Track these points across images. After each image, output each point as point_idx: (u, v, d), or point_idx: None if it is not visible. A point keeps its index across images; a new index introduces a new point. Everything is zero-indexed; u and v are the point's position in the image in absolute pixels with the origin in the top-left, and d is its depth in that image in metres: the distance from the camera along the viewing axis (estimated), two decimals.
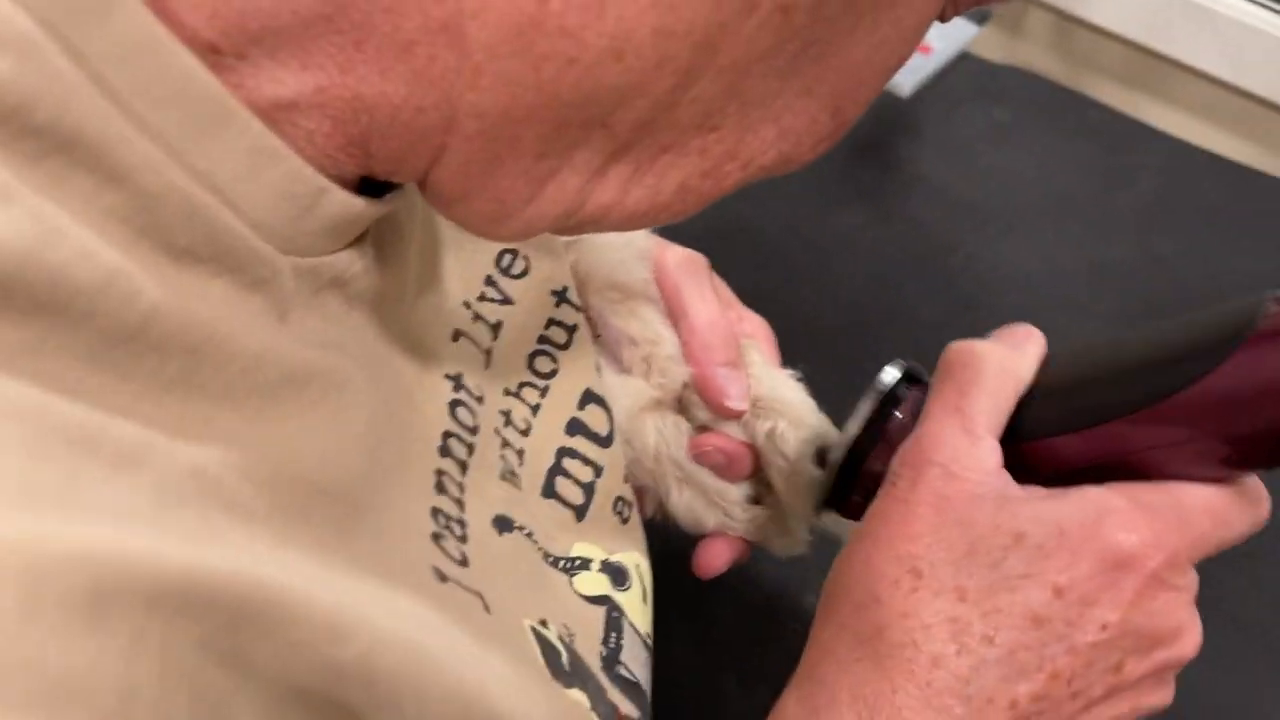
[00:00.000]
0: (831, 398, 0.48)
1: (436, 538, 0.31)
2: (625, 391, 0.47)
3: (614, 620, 0.41)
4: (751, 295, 0.53)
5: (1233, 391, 0.33)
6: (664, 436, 0.47)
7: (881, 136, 0.85)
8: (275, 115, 0.25)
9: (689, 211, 0.30)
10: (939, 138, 0.85)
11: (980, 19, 0.95)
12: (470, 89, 0.25)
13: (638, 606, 0.43)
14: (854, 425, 0.41)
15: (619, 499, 0.44)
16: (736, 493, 0.48)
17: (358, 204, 0.28)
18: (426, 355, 0.36)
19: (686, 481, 0.47)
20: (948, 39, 0.91)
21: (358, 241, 0.30)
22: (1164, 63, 1.02)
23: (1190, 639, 0.35)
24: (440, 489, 0.33)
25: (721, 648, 0.58)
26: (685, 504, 0.48)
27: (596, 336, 0.47)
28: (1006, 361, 0.37)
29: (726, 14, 0.25)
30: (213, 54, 0.24)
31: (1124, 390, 0.35)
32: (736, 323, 0.50)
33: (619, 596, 0.42)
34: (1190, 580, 0.35)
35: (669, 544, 0.50)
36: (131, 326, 0.22)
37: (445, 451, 0.35)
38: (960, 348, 0.38)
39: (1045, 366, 0.38)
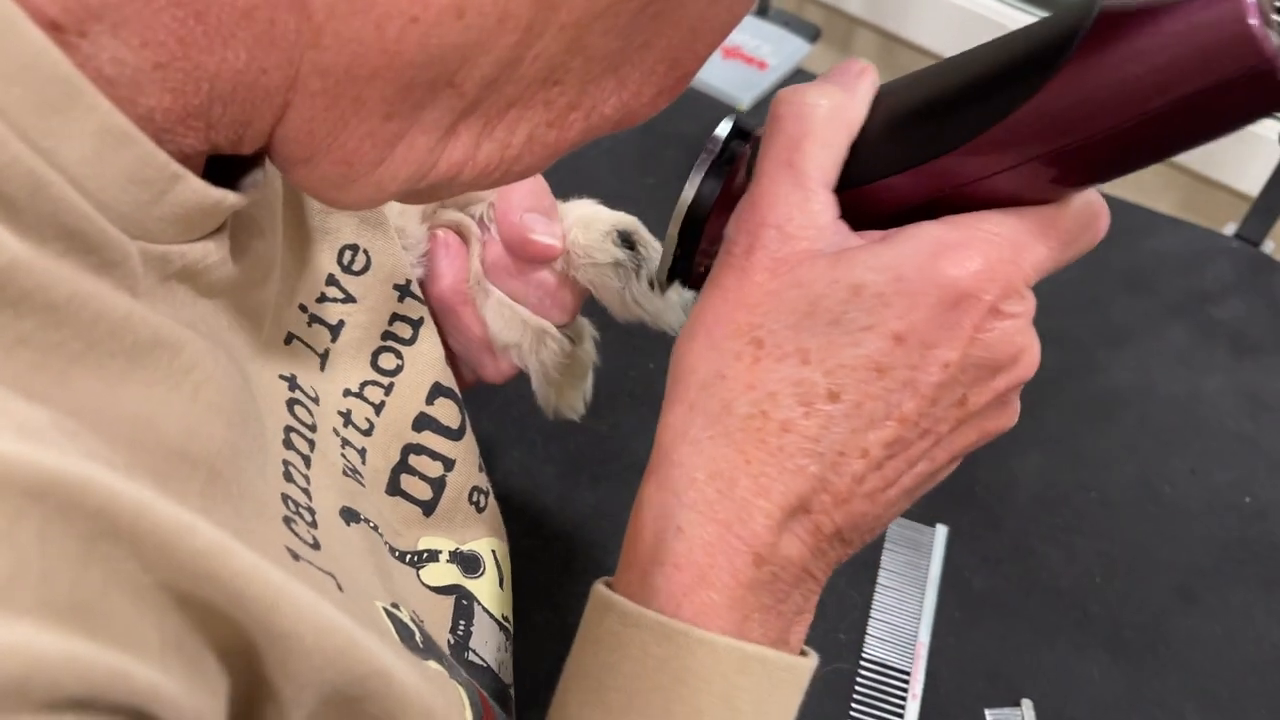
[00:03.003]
0: None
1: (288, 521, 0.31)
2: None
3: (464, 607, 0.41)
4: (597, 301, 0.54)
5: (1059, 108, 0.31)
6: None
7: None
8: (115, 95, 0.24)
9: (537, 165, 0.31)
10: None
11: (812, 37, 1.00)
12: (312, 47, 0.25)
13: (492, 591, 0.43)
14: (689, 188, 0.38)
15: (474, 489, 0.45)
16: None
17: (213, 194, 0.27)
18: (265, 352, 0.36)
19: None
20: (783, 55, 0.95)
21: (216, 233, 0.29)
22: None
23: (1028, 359, 0.35)
24: (288, 478, 0.33)
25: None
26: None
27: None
28: (838, 108, 0.35)
29: None
30: (55, 31, 0.23)
31: (951, 122, 0.34)
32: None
33: (470, 583, 0.42)
34: (1027, 305, 0.34)
35: (521, 540, 0.50)
36: None
37: (289, 444, 0.35)
38: (789, 97, 0.36)
39: (878, 103, 0.36)
